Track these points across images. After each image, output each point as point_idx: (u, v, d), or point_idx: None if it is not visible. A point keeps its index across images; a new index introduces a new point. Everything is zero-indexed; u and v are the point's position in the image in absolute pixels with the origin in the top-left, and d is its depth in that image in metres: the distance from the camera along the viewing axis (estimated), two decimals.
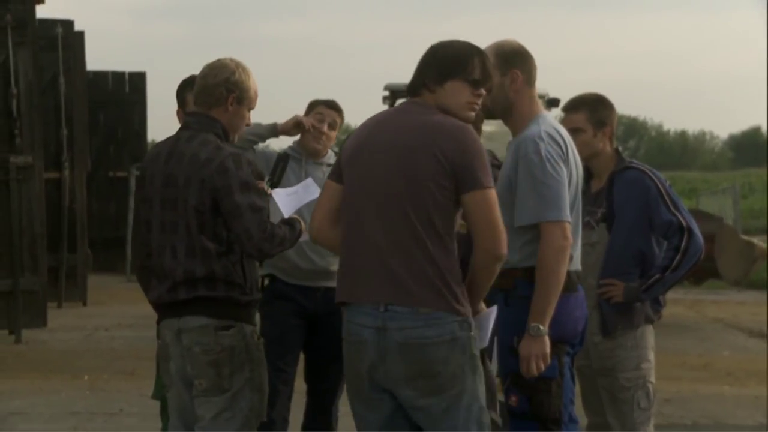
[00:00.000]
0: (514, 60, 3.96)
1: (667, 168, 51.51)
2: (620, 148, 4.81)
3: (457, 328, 3.52)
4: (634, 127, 76.07)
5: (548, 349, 3.82)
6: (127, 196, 16.71)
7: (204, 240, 3.88)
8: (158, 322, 4.05)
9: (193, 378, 3.92)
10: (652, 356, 4.72)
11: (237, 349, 3.90)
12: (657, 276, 4.55)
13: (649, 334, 4.71)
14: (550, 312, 3.82)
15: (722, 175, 47.46)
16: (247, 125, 4.13)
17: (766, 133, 66.03)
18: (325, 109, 5.15)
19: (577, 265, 4.01)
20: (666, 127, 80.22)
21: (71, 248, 12.85)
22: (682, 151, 72.55)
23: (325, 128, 5.13)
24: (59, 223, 12.67)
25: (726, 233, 13.18)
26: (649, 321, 4.70)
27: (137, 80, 17.69)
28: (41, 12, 11.01)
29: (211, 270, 3.88)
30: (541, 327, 3.79)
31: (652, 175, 4.64)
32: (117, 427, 6.80)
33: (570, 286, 3.92)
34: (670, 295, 14.33)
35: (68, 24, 13.07)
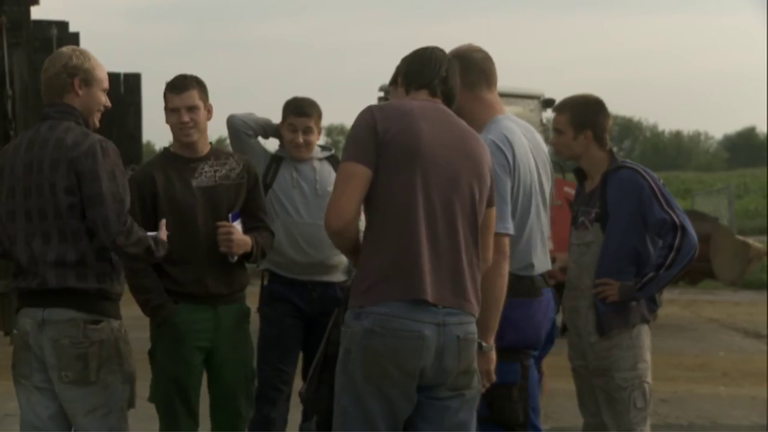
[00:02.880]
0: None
1: (662, 168, 51.58)
2: (614, 149, 4.82)
3: (476, 329, 3.61)
4: (629, 128, 76.14)
5: (493, 365, 3.81)
6: None
7: (75, 222, 3.85)
8: (17, 312, 3.99)
9: (55, 369, 3.88)
10: (648, 356, 4.72)
11: (106, 343, 3.89)
12: (651, 274, 4.55)
13: (645, 333, 4.71)
14: (494, 326, 3.80)
15: (717, 175, 47.55)
16: (107, 107, 4.09)
17: (760, 134, 66.15)
18: (295, 119, 5.16)
19: (538, 269, 4.06)
20: (661, 127, 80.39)
21: None
22: (677, 151, 72.64)
23: (300, 139, 5.17)
24: None
25: (721, 234, 13.20)
26: (644, 321, 4.70)
27: (132, 81, 17.68)
28: (36, 13, 11.04)
29: (83, 253, 3.85)
30: (484, 344, 3.76)
31: (645, 174, 4.65)
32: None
33: (533, 292, 3.96)
34: (666, 295, 14.42)
35: (63, 25, 13.07)
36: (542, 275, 4.12)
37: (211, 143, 4.74)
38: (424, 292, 3.44)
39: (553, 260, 11.49)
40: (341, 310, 3.67)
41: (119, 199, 3.85)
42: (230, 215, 4.57)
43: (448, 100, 3.69)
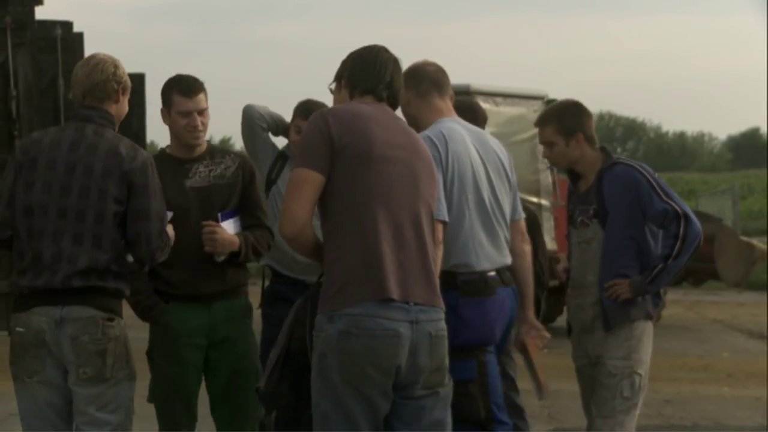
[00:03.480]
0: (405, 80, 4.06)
1: (665, 169, 51.52)
2: (606, 147, 4.83)
3: (445, 325, 3.64)
4: (633, 129, 76.09)
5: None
6: None
7: (115, 231, 3.97)
8: (24, 309, 3.98)
9: (73, 366, 3.95)
10: (645, 351, 4.70)
11: (119, 341, 4.01)
12: (661, 266, 4.57)
13: (647, 329, 4.71)
14: None
15: (721, 176, 47.49)
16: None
17: (764, 135, 66.11)
18: (301, 122, 5.16)
19: (488, 265, 4.13)
20: (665, 128, 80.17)
21: None
22: (681, 152, 72.58)
23: None
24: None
25: (725, 235, 13.20)
26: (648, 317, 4.71)
27: (136, 81, 17.45)
28: (40, 13, 11.02)
29: (113, 260, 3.97)
30: None
31: (640, 168, 4.68)
32: None
33: (485, 291, 4.03)
34: (670, 296, 14.38)
35: (67, 25, 13.04)
36: (499, 275, 4.19)
37: (208, 141, 4.75)
38: (390, 291, 3.47)
39: (558, 261, 11.54)
40: (304, 305, 3.70)
41: (161, 217, 4.03)
42: (220, 214, 4.55)
43: (393, 104, 3.75)
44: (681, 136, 76.72)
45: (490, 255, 4.19)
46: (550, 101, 12.32)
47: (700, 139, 77.56)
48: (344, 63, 3.77)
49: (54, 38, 12.72)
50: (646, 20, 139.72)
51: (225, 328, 4.58)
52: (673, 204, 4.58)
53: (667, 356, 10.59)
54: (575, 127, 4.71)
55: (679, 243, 4.54)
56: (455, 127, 4.24)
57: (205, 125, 4.59)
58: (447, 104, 4.32)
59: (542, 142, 4.78)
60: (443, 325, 3.58)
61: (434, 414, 3.56)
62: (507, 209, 4.33)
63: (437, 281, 3.60)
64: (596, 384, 4.67)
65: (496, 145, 4.38)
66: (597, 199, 4.68)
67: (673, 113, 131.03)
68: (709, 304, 15.68)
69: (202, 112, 4.57)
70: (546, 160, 12.17)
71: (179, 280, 4.52)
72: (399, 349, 3.45)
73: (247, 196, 4.66)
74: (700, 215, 14.89)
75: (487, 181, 4.23)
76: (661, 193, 4.60)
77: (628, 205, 4.62)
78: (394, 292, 3.46)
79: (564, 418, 7.48)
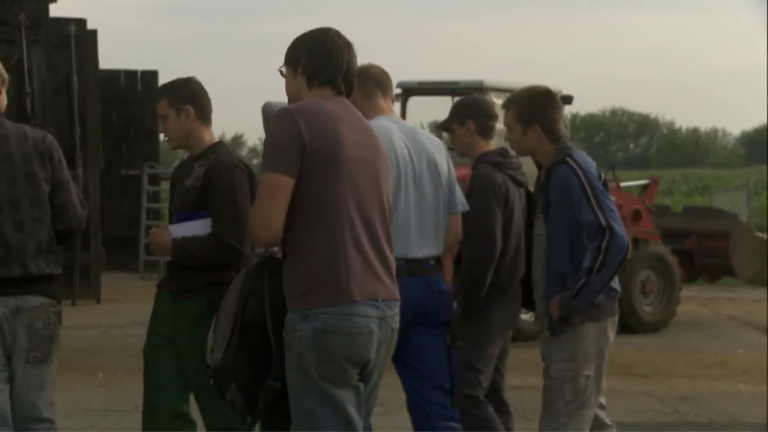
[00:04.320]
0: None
1: (678, 165, 51.40)
2: (565, 141, 4.66)
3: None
4: (646, 125, 75.91)
5: None
6: (139, 195, 16.81)
7: (47, 210, 4.35)
8: None
9: (24, 351, 4.31)
10: (593, 351, 4.57)
11: (58, 324, 4.43)
12: (583, 280, 4.44)
13: (593, 329, 4.57)
14: None
15: (735, 172, 47.33)
16: None
17: None
18: None
19: (398, 252, 4.17)
20: (678, 124, 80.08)
21: (84, 246, 12.86)
22: (694, 148, 72.37)
23: None
24: None
25: (741, 231, 13.14)
26: (594, 319, 4.56)
27: (150, 78, 17.70)
28: (54, 11, 11.04)
29: (52, 239, 4.35)
30: None
31: (579, 171, 4.54)
32: (132, 425, 6.78)
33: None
34: (685, 293, 14.25)
35: (81, 23, 13.09)
36: (408, 264, 4.45)
37: (220, 140, 4.75)
38: (358, 293, 3.54)
39: None
40: (256, 275, 3.69)
41: (74, 185, 4.49)
42: (176, 215, 4.61)
43: (348, 92, 3.76)
44: (694, 132, 76.51)
45: (408, 245, 4.49)
46: (564, 97, 12.25)
47: (713, 134, 77.37)
48: (298, 47, 3.72)
49: (68, 35, 12.76)
50: (658, 16, 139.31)
51: (186, 325, 4.53)
52: (600, 215, 4.45)
53: (682, 353, 10.56)
54: (533, 118, 4.61)
55: (602, 256, 4.41)
56: (388, 124, 4.56)
57: (167, 130, 4.61)
58: (388, 104, 4.73)
59: (504, 125, 4.71)
60: (398, 317, 3.73)
61: (369, 401, 3.72)
62: (440, 202, 4.62)
63: (394, 272, 3.72)
64: (544, 386, 4.62)
65: (430, 142, 4.69)
66: (543, 195, 4.62)
67: (687, 109, 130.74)
68: (724, 300, 15.61)
69: (162, 118, 4.62)
70: None
71: (165, 273, 4.71)
72: (372, 345, 3.58)
73: (206, 202, 4.54)
74: (716, 212, 14.85)
75: (413, 175, 4.55)
76: (592, 202, 4.47)
77: (565, 207, 4.53)
78: (363, 293, 3.55)
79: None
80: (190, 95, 4.59)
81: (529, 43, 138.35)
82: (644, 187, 13.51)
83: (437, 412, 4.57)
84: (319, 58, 3.67)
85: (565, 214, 4.52)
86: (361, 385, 3.61)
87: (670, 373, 9.37)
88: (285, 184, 3.51)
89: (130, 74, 17.67)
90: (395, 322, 3.67)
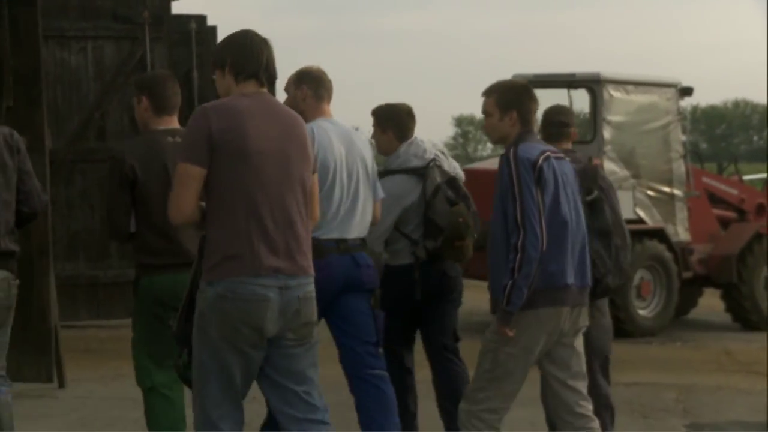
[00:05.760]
0: (304, 78, 5.25)
1: None
2: (528, 134, 4.68)
3: (314, 287, 4.19)
4: None
5: None
6: None
7: (14, 195, 4.91)
8: None
9: None
10: (526, 335, 4.53)
11: (15, 295, 4.95)
12: (510, 282, 4.45)
13: (530, 315, 4.51)
14: None
15: None
16: None
17: None
18: (373, 126, 5.76)
19: (331, 234, 5.03)
20: None
21: None
22: None
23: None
24: None
25: None
26: (531, 306, 4.49)
27: None
28: (176, 8, 11.32)
29: (13, 222, 4.89)
30: None
31: (512, 161, 4.53)
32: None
33: (317, 254, 4.36)
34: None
35: (201, 19, 13.33)
36: (337, 244, 5.05)
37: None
38: (262, 268, 3.98)
39: (692, 252, 11.26)
40: (198, 255, 4.14)
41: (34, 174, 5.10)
42: None
43: (270, 83, 4.21)
44: None
45: (340, 228, 5.08)
46: (684, 89, 12.04)
47: None
48: (223, 50, 4.18)
49: (189, 32, 13.01)
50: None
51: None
52: (518, 211, 4.45)
53: (702, 348, 10.40)
54: (512, 104, 4.70)
55: (519, 254, 4.42)
56: (326, 125, 5.18)
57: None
58: (329, 108, 5.30)
59: (482, 112, 4.81)
60: (311, 288, 4.13)
61: (302, 361, 4.11)
62: (368, 193, 5.26)
63: (308, 251, 4.13)
64: None
65: (361, 141, 5.31)
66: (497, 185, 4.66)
67: None
68: None
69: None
70: (679, 149, 12.01)
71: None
72: (267, 311, 3.99)
73: None
74: None
75: (347, 170, 5.16)
76: (516, 195, 4.47)
77: (499, 197, 4.57)
78: (264, 268, 3.98)
79: (700, 412, 7.35)
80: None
81: (647, 33, 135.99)
82: None
83: (365, 361, 5.15)
84: (242, 56, 4.13)
85: (500, 203, 4.59)
86: (256, 354, 4.03)
87: (686, 368, 9.21)
88: (194, 173, 4.00)
89: None
90: (303, 291, 4.07)
